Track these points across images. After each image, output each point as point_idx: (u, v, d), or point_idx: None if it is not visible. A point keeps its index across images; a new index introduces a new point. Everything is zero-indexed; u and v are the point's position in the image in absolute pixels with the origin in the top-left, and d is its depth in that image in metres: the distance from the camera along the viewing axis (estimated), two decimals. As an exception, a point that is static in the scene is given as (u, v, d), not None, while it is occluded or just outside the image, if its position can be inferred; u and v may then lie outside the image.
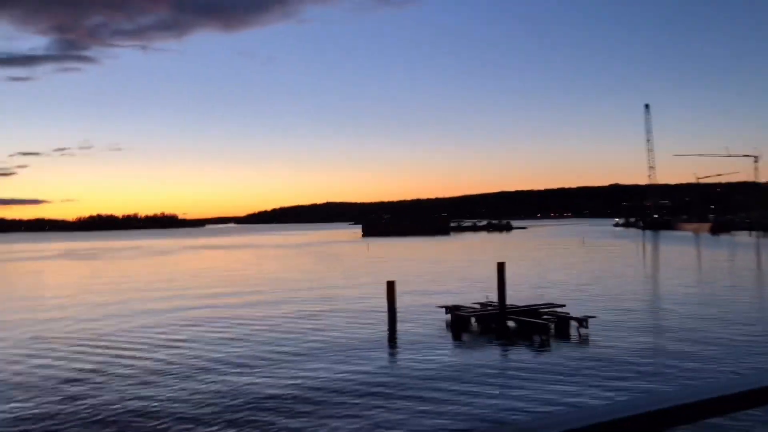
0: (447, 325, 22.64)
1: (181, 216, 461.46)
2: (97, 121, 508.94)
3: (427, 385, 15.18)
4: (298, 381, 15.86)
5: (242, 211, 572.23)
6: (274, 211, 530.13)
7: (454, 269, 48.28)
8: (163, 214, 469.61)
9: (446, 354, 18.64)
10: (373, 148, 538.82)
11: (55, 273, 59.46)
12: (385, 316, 22.77)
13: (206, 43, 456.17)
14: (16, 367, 18.18)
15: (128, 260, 75.38)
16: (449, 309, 23.18)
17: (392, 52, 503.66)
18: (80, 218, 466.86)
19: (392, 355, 18.86)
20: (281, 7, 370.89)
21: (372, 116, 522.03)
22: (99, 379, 16.62)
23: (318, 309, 28.34)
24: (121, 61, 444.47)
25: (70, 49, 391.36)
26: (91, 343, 21.72)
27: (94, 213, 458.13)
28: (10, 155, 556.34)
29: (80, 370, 17.69)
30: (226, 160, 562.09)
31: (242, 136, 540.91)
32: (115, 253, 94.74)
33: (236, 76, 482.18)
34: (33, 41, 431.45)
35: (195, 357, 18.99)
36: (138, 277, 50.70)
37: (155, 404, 14.14)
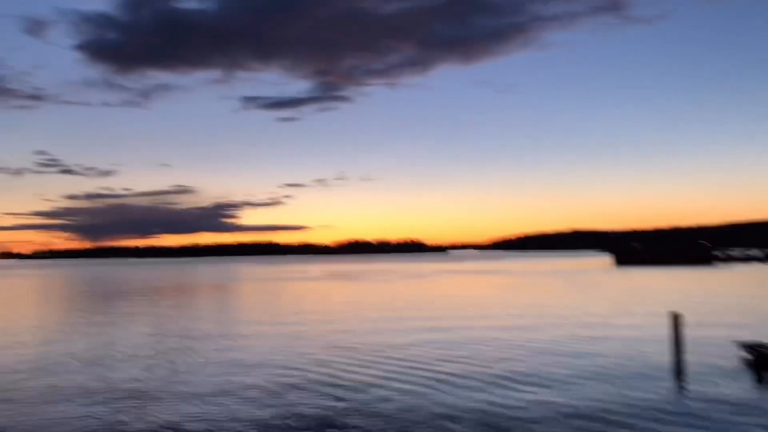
0: (745, 363, 20.77)
1: (426, 242, 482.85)
2: (350, 154, 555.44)
3: (727, 419, 14.28)
4: (589, 401, 15.96)
5: (483, 238, 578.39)
6: (516, 238, 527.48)
7: (731, 302, 43.82)
8: (410, 239, 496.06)
9: (748, 391, 17.16)
10: (621, 174, 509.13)
11: (328, 291, 66.00)
12: (663, 346, 21.75)
13: (448, 75, 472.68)
14: (325, 369, 20.85)
15: (388, 282, 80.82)
16: (749, 346, 21.18)
17: (639, 72, 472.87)
18: (337, 242, 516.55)
19: (683, 387, 17.88)
20: (521, 35, 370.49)
21: (619, 140, 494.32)
22: (394, 384, 18.40)
23: (586, 335, 27.91)
24: (372, 99, 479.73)
25: (328, 90, 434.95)
26: (376, 353, 24.00)
27: (348, 238, 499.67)
28: (279, 186, 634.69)
29: (375, 375, 19.73)
30: (468, 187, 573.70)
31: (482, 164, 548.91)
32: (374, 276, 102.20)
33: (476, 106, 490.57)
34: (298, 85, 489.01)
35: (477, 372, 20.01)
36: (400, 297, 54.22)
37: (454, 411, 15.36)
